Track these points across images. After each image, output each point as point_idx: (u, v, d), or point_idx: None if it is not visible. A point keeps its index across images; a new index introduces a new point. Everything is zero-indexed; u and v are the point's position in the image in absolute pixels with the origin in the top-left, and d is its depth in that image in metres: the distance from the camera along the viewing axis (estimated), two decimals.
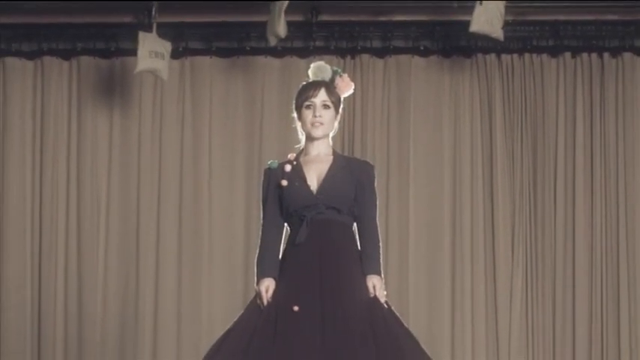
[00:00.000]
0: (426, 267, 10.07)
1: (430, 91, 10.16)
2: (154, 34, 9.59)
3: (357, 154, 9.45)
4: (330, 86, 6.83)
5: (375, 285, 6.64)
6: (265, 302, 6.63)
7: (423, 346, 6.68)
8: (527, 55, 10.08)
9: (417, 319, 9.60)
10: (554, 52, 10.09)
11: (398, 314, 6.76)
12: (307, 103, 6.76)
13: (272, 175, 6.82)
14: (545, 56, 10.09)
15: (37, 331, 10.02)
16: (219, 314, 9.49)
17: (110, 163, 10.14)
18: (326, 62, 6.94)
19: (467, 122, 10.14)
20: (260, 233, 6.84)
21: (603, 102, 10.10)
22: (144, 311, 9.98)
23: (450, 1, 9.89)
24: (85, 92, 10.16)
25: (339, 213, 6.72)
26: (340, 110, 6.86)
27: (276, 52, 10.02)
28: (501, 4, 9.47)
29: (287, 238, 6.79)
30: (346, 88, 6.88)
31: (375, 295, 6.64)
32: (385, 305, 6.69)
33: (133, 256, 10.09)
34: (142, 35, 9.54)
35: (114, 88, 10.15)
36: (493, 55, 10.09)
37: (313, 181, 6.74)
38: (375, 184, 6.88)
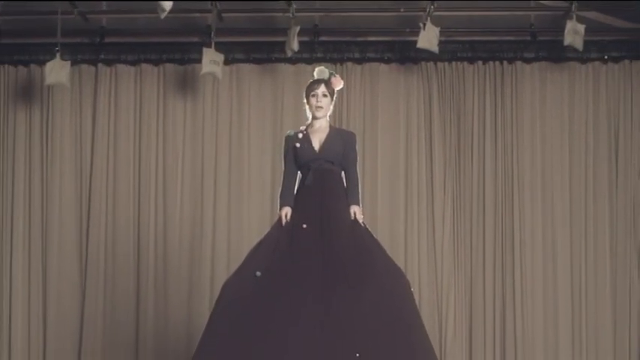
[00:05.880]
0: (388, 197, 10.16)
1: (391, 86, 10.26)
2: (212, 49, 9.64)
3: (344, 126, 9.55)
4: (327, 83, 7.18)
5: (356, 212, 7.07)
6: (284, 222, 7.06)
7: (387, 250, 7.09)
8: (454, 63, 10.19)
9: (383, 231, 9.73)
10: (471, 60, 10.21)
11: (370, 230, 7.13)
12: (312, 93, 7.15)
13: (290, 140, 7.19)
14: (465, 63, 10.21)
15: (137, 235, 10.16)
16: (255, 229, 9.58)
17: (184, 132, 10.24)
18: (324, 67, 7.32)
19: (414, 106, 10.23)
20: (282, 177, 7.24)
21: (503, 93, 10.20)
22: (207, 228, 10.12)
23: (404, 28, 10.08)
24: (168, 87, 10.25)
25: (333, 165, 7.11)
26: (334, 99, 7.24)
27: (292, 61, 10.09)
28: (437, 30, 9.54)
29: (299, 181, 7.16)
30: (338, 84, 7.24)
31: (356, 218, 7.05)
32: (362, 225, 7.07)
33: (199, 192, 10.18)
34: (205, 50, 9.63)
35: (186, 84, 10.22)
36: (432, 63, 10.17)
37: (316, 145, 7.12)
38: (357, 146, 7.23)
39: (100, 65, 10.29)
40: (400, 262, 8.10)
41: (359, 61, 10.29)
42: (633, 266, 10.08)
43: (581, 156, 10.24)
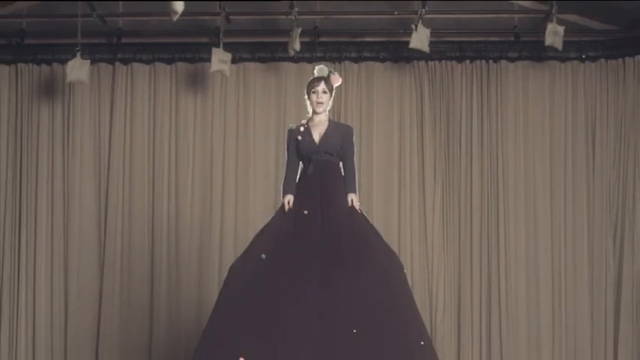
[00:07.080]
0: (383, 185, 10.18)
1: (385, 84, 10.27)
2: (221, 49, 9.66)
3: (343, 121, 9.47)
4: (327, 80, 7.25)
5: (353, 199, 7.13)
6: (287, 209, 7.12)
7: (382, 234, 7.21)
8: (443, 62, 10.21)
9: (378, 217, 9.75)
10: (460, 59, 10.24)
11: (366, 216, 7.22)
12: (313, 90, 7.23)
13: (292, 133, 7.26)
14: (454, 62, 10.24)
15: (151, 224, 10.15)
16: (260, 215, 9.48)
17: (195, 126, 10.25)
18: (324, 66, 7.39)
19: (407, 102, 10.25)
20: (285, 167, 7.31)
21: (488, 89, 10.23)
22: (215, 214, 10.12)
23: (398, 29, 10.10)
24: (179, 84, 10.26)
25: (332, 156, 7.18)
26: (333, 94, 7.31)
27: (294, 60, 10.12)
28: (428, 31, 9.61)
29: (301, 171, 7.24)
30: (337, 82, 7.33)
31: (353, 205, 7.11)
32: (359, 211, 7.14)
33: (208, 182, 10.20)
34: (214, 49, 9.65)
35: (197, 82, 10.24)
36: (423, 62, 10.20)
37: (317, 137, 7.19)
38: (354, 138, 7.28)
39: (117, 64, 10.33)
40: (394, 246, 8.09)
41: (356, 60, 10.33)
42: (609, 243, 10.19)
43: (560, 146, 10.26)
